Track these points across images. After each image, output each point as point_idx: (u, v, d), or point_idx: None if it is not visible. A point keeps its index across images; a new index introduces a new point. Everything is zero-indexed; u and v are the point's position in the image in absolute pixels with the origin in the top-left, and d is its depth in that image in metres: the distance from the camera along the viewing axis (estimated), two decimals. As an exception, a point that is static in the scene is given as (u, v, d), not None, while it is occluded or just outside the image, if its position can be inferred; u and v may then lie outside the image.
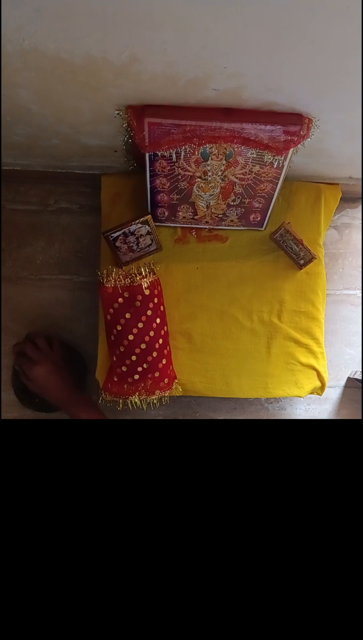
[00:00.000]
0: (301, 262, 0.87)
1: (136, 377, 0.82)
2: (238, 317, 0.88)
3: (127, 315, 0.79)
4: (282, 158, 0.70)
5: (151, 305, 0.80)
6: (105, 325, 0.83)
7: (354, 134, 0.66)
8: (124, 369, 0.82)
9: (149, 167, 0.72)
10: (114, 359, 0.83)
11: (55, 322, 0.99)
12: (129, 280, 0.79)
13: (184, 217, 0.84)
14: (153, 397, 0.85)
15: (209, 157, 0.70)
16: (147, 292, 0.79)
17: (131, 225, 0.79)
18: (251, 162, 0.71)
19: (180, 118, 0.61)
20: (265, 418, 1.05)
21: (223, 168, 0.72)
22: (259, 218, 0.85)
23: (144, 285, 0.78)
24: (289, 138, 0.64)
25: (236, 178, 0.75)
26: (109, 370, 0.86)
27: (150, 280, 0.80)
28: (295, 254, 0.87)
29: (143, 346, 0.80)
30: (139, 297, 0.78)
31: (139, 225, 0.80)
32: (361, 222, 1.04)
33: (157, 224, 0.83)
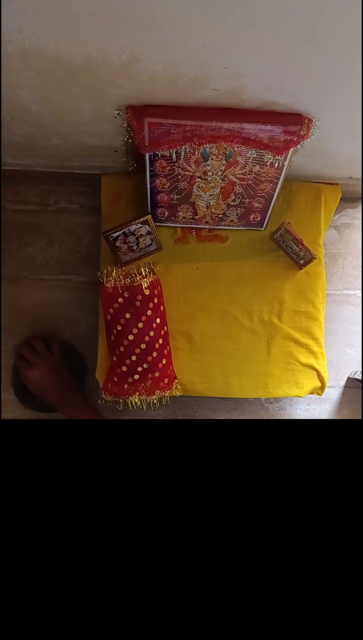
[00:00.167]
0: (301, 262, 0.87)
1: (136, 377, 0.82)
2: (238, 317, 0.88)
3: (127, 315, 0.79)
4: (282, 158, 0.70)
5: (151, 305, 0.80)
6: (105, 325, 0.83)
7: (354, 134, 0.66)
8: (124, 369, 0.82)
9: (149, 167, 0.72)
10: (114, 359, 0.83)
11: (55, 322, 0.99)
12: (129, 280, 0.79)
13: (184, 217, 0.84)
14: (153, 397, 0.85)
15: (209, 157, 0.70)
16: (147, 292, 0.79)
17: (131, 225, 0.79)
18: (251, 162, 0.71)
19: (180, 118, 0.61)
20: (265, 418, 1.05)
21: (223, 168, 0.72)
22: (259, 218, 0.85)
23: (144, 285, 0.78)
24: (289, 138, 0.64)
25: (236, 178, 0.75)
26: (109, 370, 0.86)
27: (150, 280, 0.80)
28: (295, 254, 0.87)
29: (143, 346, 0.80)
30: (139, 297, 0.78)
31: (139, 225, 0.80)
32: (361, 222, 1.04)
33: (157, 224, 0.83)
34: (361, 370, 1.03)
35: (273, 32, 0.43)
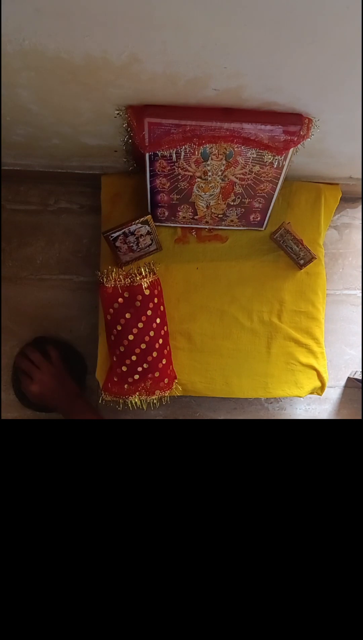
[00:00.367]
0: (301, 262, 0.87)
1: (136, 377, 0.82)
2: (238, 317, 0.88)
3: (127, 315, 0.79)
4: (282, 158, 0.70)
5: (151, 305, 0.80)
6: (105, 325, 0.83)
7: (354, 134, 0.66)
8: (124, 369, 0.82)
9: (149, 167, 0.72)
10: (114, 359, 0.83)
11: (55, 322, 0.99)
12: (129, 280, 0.79)
13: (184, 217, 0.84)
14: (153, 397, 0.85)
15: (209, 157, 0.70)
16: (147, 292, 0.79)
17: (131, 225, 0.79)
18: (251, 162, 0.71)
19: (180, 118, 0.61)
20: (265, 418, 1.04)
21: (223, 168, 0.72)
22: (259, 218, 0.85)
23: (144, 285, 0.78)
24: (289, 138, 0.64)
25: (236, 178, 0.75)
26: (109, 370, 0.86)
27: (150, 280, 0.80)
28: (295, 254, 0.87)
29: (143, 346, 0.80)
30: (139, 297, 0.78)
31: (139, 225, 0.80)
32: (361, 222, 1.04)
33: (157, 224, 0.83)
34: (361, 370, 1.03)
35: (273, 32, 0.43)
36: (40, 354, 0.91)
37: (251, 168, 0.72)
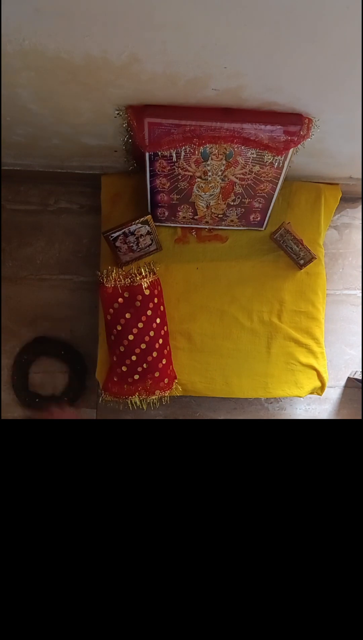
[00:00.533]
0: (301, 262, 0.87)
1: (136, 377, 0.82)
2: (238, 317, 0.88)
3: (128, 315, 0.79)
4: (282, 158, 0.70)
5: (151, 305, 0.80)
6: (105, 325, 0.83)
7: (354, 134, 0.66)
8: (124, 369, 0.82)
9: (149, 167, 0.72)
10: (114, 359, 0.83)
11: (55, 322, 0.99)
12: (129, 280, 0.79)
13: (184, 217, 0.84)
14: (153, 397, 0.85)
15: (209, 157, 0.70)
16: (147, 292, 0.79)
17: (131, 225, 0.79)
18: (251, 162, 0.71)
19: (180, 118, 0.62)
20: (265, 418, 1.05)
21: (223, 168, 0.72)
22: (259, 218, 0.85)
23: (144, 285, 0.78)
24: (289, 138, 0.64)
25: (236, 178, 0.75)
26: (109, 370, 0.86)
27: (150, 280, 0.80)
28: (295, 254, 0.87)
29: (143, 346, 0.80)
30: (139, 297, 0.78)
31: (139, 225, 0.80)
32: (361, 222, 1.04)
33: (157, 224, 0.83)
34: (361, 370, 1.03)
35: (273, 32, 0.43)
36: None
37: (251, 168, 0.72)
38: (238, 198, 0.79)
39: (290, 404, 1.05)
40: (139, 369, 0.81)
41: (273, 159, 0.70)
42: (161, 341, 0.82)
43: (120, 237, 0.81)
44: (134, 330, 0.79)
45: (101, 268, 0.85)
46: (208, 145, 0.67)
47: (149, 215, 0.79)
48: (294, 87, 0.54)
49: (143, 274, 0.79)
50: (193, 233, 0.88)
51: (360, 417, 1.06)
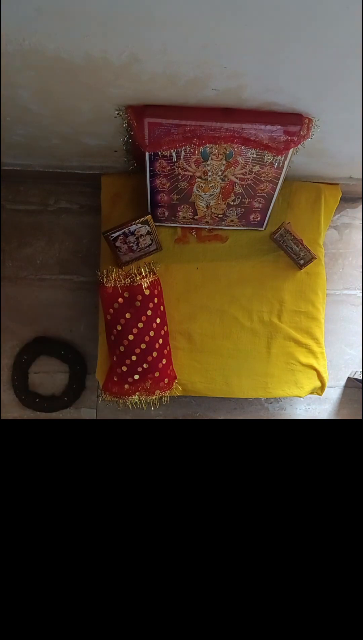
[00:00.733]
0: (301, 262, 0.87)
1: (136, 377, 0.82)
2: (238, 317, 0.88)
3: (128, 315, 0.79)
4: (282, 158, 0.70)
5: (151, 305, 0.80)
6: (105, 325, 0.83)
7: (354, 134, 0.66)
8: (124, 369, 0.82)
9: (149, 167, 0.72)
10: (114, 359, 0.83)
11: (55, 322, 0.99)
12: (129, 280, 0.79)
13: (184, 217, 0.84)
14: (153, 397, 0.85)
15: (209, 157, 0.70)
16: (147, 292, 0.79)
17: (131, 225, 0.79)
18: (251, 162, 0.71)
19: (180, 118, 0.62)
20: (265, 418, 1.05)
21: (223, 168, 0.72)
22: (259, 218, 0.85)
23: (144, 285, 0.78)
24: (289, 138, 0.64)
25: (236, 178, 0.75)
26: (109, 370, 0.86)
27: (150, 280, 0.80)
28: (295, 254, 0.87)
29: (143, 346, 0.80)
30: (139, 297, 0.78)
31: (139, 225, 0.80)
32: (361, 222, 1.04)
33: (157, 224, 0.83)
34: (361, 370, 1.03)
35: (273, 32, 0.43)
36: None
37: (251, 168, 0.72)
38: (238, 198, 0.79)
39: (290, 404, 1.05)
40: (139, 369, 0.81)
41: (273, 159, 0.70)
42: (161, 341, 0.82)
43: (120, 237, 0.81)
44: (134, 330, 0.79)
45: (101, 268, 0.85)
46: (208, 145, 0.67)
47: (149, 215, 0.79)
48: (294, 87, 0.54)
49: (143, 274, 0.79)
50: (193, 233, 0.88)
51: (360, 417, 1.06)
